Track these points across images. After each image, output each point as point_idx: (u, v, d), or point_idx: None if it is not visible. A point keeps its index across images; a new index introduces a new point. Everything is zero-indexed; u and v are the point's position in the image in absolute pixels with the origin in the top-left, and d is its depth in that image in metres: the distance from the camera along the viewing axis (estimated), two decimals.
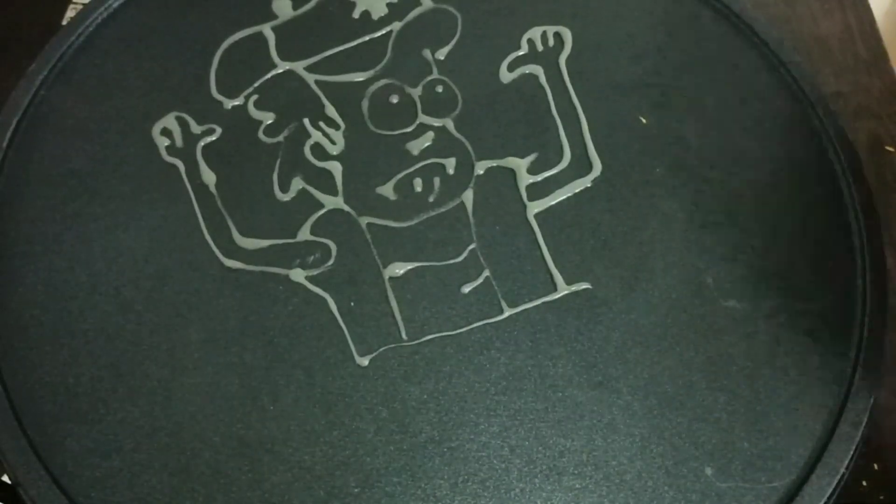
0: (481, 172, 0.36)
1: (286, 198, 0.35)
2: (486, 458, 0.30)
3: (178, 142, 0.36)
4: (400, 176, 0.35)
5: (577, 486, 0.29)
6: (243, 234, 0.34)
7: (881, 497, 0.34)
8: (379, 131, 0.37)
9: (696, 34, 0.40)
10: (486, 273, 0.33)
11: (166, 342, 0.31)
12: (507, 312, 0.33)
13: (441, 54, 0.39)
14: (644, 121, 0.37)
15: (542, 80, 0.38)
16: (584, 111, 0.37)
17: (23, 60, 0.40)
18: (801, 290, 0.33)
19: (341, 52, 0.38)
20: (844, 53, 0.45)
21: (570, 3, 0.40)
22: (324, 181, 0.35)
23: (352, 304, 0.33)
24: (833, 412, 0.31)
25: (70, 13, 0.43)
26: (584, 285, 0.33)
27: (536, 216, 0.35)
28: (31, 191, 0.34)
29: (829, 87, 0.44)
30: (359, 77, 0.38)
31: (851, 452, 0.30)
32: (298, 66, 0.38)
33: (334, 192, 0.35)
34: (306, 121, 0.37)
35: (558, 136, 0.37)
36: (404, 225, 0.34)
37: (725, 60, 0.39)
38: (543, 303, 0.33)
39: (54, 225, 0.34)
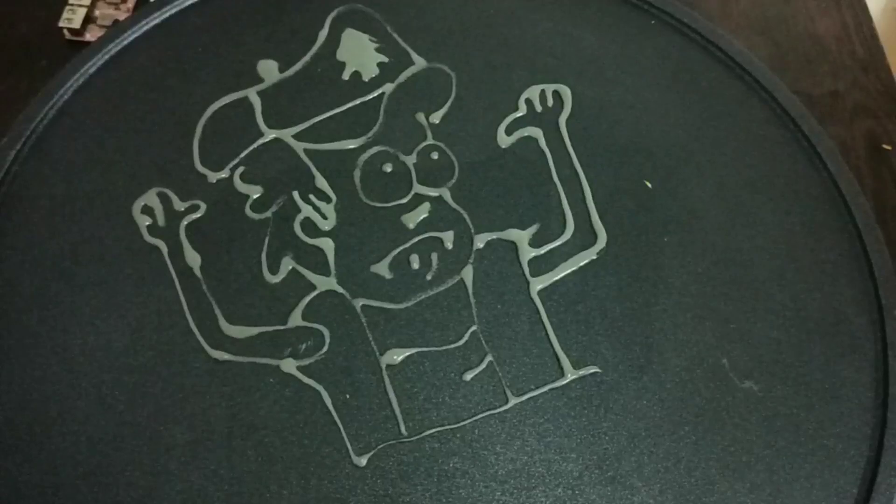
0: (481, 246, 0.34)
1: (276, 280, 0.33)
2: None
3: (161, 221, 0.34)
4: (395, 252, 0.34)
5: None
6: (231, 321, 0.32)
7: None
8: (372, 203, 0.35)
9: (702, 90, 0.38)
10: (489, 358, 0.32)
11: (150, 446, 0.29)
12: (513, 401, 0.31)
13: (436, 117, 0.37)
14: (649, 185, 0.36)
15: (542, 143, 0.36)
16: (587, 176, 0.36)
17: (19, 61, 0.37)
18: (822, 368, 0.32)
19: (331, 117, 0.37)
20: (841, 52, 0.44)
21: (568, 59, 0.38)
22: (315, 260, 0.33)
23: (347, 396, 0.31)
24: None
25: (67, 14, 0.41)
26: (593, 369, 0.31)
27: (540, 293, 0.33)
28: (2, 279, 0.32)
29: (826, 86, 0.43)
30: (350, 145, 0.36)
31: None
32: (286, 134, 0.36)
33: (326, 272, 0.33)
34: (296, 194, 0.35)
35: (560, 204, 0.35)
36: (401, 307, 0.33)
37: (732, 117, 0.37)
38: (550, 389, 0.31)
39: (29, 317, 0.32)
